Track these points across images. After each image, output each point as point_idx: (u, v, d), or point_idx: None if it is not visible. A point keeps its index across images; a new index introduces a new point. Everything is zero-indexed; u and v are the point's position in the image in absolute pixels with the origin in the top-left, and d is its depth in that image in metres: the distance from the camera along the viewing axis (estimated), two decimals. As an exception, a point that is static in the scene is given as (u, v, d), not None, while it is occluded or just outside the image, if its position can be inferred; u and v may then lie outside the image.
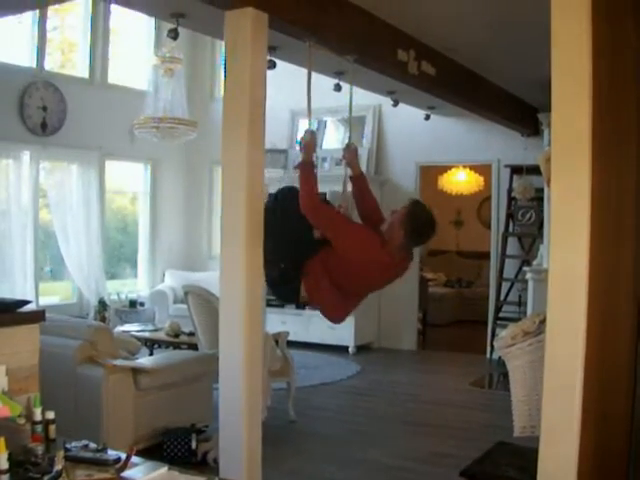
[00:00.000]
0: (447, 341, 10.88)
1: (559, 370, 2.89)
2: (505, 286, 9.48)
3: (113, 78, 10.04)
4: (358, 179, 4.57)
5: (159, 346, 7.21)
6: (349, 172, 4.59)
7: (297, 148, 4.38)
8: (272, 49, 5.41)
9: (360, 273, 4.16)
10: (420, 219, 4.10)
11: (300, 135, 4.56)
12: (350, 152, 4.60)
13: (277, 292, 4.68)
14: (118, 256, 10.93)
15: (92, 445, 2.97)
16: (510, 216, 9.35)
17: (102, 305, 9.29)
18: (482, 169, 11.44)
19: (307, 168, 4.22)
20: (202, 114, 9.55)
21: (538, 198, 8.63)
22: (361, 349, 9.52)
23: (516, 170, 9.05)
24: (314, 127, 9.93)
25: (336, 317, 4.48)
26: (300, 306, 4.61)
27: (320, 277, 4.19)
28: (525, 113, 8.61)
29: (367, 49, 5.29)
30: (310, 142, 4.34)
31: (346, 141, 4.74)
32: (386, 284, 4.41)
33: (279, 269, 4.28)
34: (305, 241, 4.25)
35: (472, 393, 7.62)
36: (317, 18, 4.64)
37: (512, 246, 9.49)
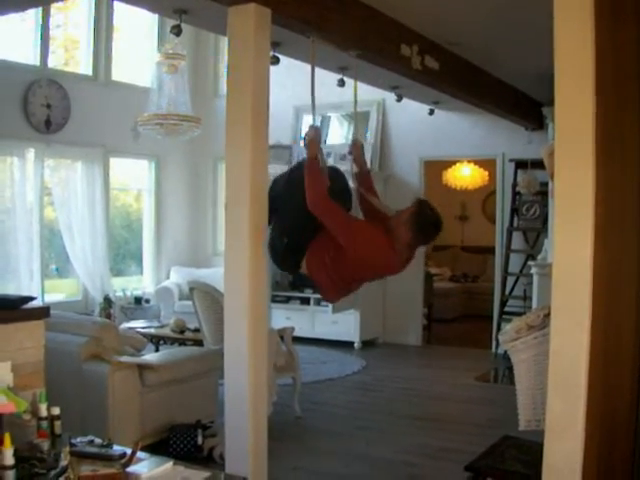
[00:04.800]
0: (452, 336, 10.87)
1: (564, 363, 2.89)
2: (510, 280, 9.48)
3: (117, 75, 10.04)
4: (363, 175, 4.55)
5: (164, 342, 7.23)
6: (354, 169, 4.58)
7: (301, 144, 4.34)
8: (275, 45, 5.41)
9: (363, 268, 4.16)
10: (427, 219, 4.07)
11: (305, 131, 4.52)
12: (356, 148, 4.59)
13: (276, 259, 4.58)
14: (123, 253, 10.95)
15: (97, 440, 2.98)
16: (515, 210, 9.33)
17: (107, 302, 9.31)
18: (487, 164, 11.43)
19: (312, 164, 4.20)
20: (206, 110, 9.54)
21: (542, 192, 8.62)
22: (366, 344, 9.52)
23: (520, 164, 9.04)
24: (318, 123, 9.91)
25: (330, 298, 4.54)
26: (297, 280, 4.64)
27: (322, 259, 4.18)
28: (529, 107, 8.59)
29: (370, 44, 5.28)
30: (314, 138, 4.31)
31: (351, 137, 4.73)
32: (388, 275, 4.45)
33: (283, 243, 4.30)
34: (314, 221, 4.22)
35: (477, 388, 7.61)
36: (320, 13, 4.64)
37: (517, 240, 9.48)
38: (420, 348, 9.82)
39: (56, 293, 9.54)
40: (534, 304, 8.13)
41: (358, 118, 9.63)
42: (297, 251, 4.24)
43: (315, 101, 4.61)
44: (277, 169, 9.27)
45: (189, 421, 5.14)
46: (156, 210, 10.94)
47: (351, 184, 4.60)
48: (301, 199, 4.11)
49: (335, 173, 4.45)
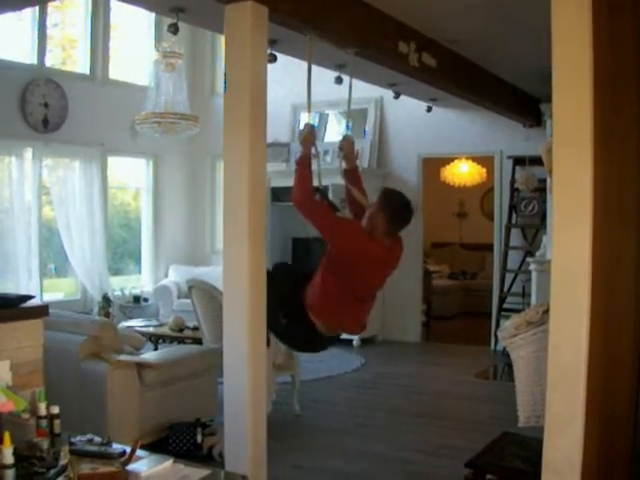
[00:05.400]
0: (451, 333, 10.88)
1: (563, 359, 2.89)
2: (509, 277, 9.48)
3: (114, 74, 10.03)
4: (352, 172, 4.58)
5: (163, 341, 7.23)
6: (344, 165, 4.61)
7: (297, 141, 4.38)
8: (272, 42, 5.40)
9: (358, 270, 4.18)
10: (395, 201, 4.21)
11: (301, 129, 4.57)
12: (348, 144, 4.61)
13: (300, 345, 4.73)
14: (121, 252, 10.95)
15: (97, 439, 2.97)
16: (513, 207, 9.34)
17: (106, 301, 9.29)
18: (485, 160, 11.42)
19: (304, 162, 4.24)
20: (204, 109, 9.54)
21: (541, 189, 8.62)
22: (365, 342, 9.51)
23: (518, 161, 9.03)
24: (315, 121, 9.92)
25: (357, 327, 4.51)
26: (328, 344, 4.72)
27: (324, 294, 4.23)
28: (527, 104, 8.59)
29: (367, 41, 5.28)
30: (308, 136, 4.34)
31: (344, 134, 4.74)
32: (386, 276, 4.42)
33: (283, 322, 4.37)
34: (296, 282, 4.36)
35: (477, 384, 7.62)
36: (317, 11, 4.63)
37: (515, 237, 9.49)
38: (419, 345, 9.82)
39: (55, 292, 9.54)
40: (533, 301, 8.14)
41: (356, 116, 9.65)
42: (302, 319, 4.28)
43: (312, 99, 4.62)
44: (275, 167, 9.33)
45: (188, 419, 5.14)
46: (154, 209, 10.93)
47: (340, 181, 4.64)
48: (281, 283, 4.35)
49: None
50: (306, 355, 7.85)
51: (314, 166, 4.32)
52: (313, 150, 4.38)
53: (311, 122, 4.58)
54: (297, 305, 4.28)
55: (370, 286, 4.42)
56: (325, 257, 4.25)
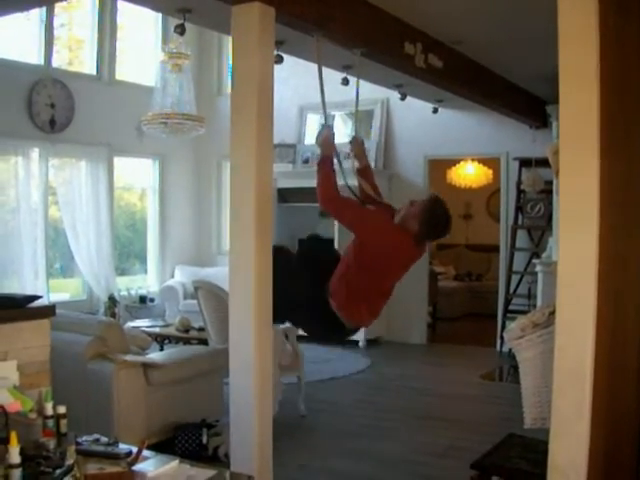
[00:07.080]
0: (457, 334, 10.86)
1: (569, 362, 2.88)
2: (515, 279, 9.46)
3: (121, 74, 10.06)
4: (364, 171, 4.58)
5: (169, 341, 7.24)
6: (356, 164, 4.61)
7: (317, 142, 4.35)
8: (279, 43, 5.41)
9: (386, 261, 4.12)
10: (437, 216, 4.08)
11: (317, 131, 4.56)
12: (357, 145, 4.62)
13: (322, 334, 4.67)
14: (128, 252, 10.97)
15: (103, 439, 2.98)
16: (519, 209, 9.33)
17: (112, 301, 9.33)
18: (491, 162, 11.41)
19: (326, 164, 4.21)
20: (210, 109, 9.56)
21: (547, 190, 8.61)
22: (371, 343, 9.51)
23: (525, 163, 9.02)
24: (322, 121, 9.91)
25: (372, 320, 4.46)
26: (347, 335, 4.67)
27: (350, 290, 4.16)
28: (533, 105, 8.58)
29: (374, 42, 5.28)
30: (327, 138, 4.32)
31: (353, 134, 4.74)
32: (406, 270, 4.36)
33: (304, 310, 4.32)
34: (321, 270, 4.26)
35: (482, 386, 7.61)
36: (324, 12, 4.64)
37: (521, 239, 9.47)
38: (425, 347, 9.81)
39: (61, 292, 9.55)
40: (539, 302, 8.13)
41: (363, 117, 9.65)
42: (324, 309, 4.22)
43: (317, 100, 4.62)
44: (281, 168, 9.34)
45: (194, 420, 5.15)
46: (160, 209, 10.95)
47: (354, 181, 4.62)
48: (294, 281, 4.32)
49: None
50: (312, 356, 7.87)
51: (336, 167, 4.29)
52: (333, 152, 4.35)
53: (328, 123, 4.59)
54: (321, 294, 4.19)
55: (394, 279, 4.36)
56: (352, 253, 4.13)
